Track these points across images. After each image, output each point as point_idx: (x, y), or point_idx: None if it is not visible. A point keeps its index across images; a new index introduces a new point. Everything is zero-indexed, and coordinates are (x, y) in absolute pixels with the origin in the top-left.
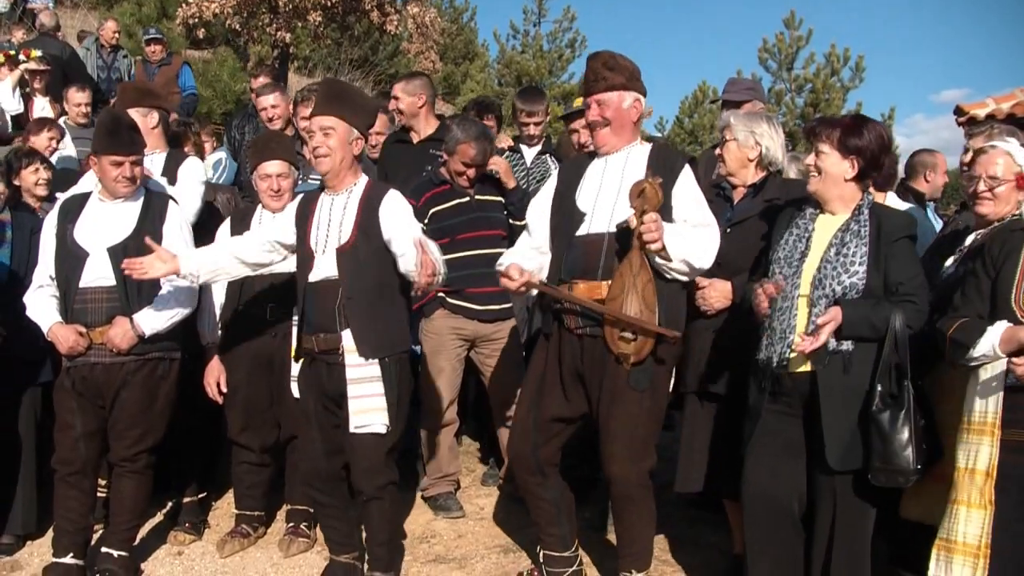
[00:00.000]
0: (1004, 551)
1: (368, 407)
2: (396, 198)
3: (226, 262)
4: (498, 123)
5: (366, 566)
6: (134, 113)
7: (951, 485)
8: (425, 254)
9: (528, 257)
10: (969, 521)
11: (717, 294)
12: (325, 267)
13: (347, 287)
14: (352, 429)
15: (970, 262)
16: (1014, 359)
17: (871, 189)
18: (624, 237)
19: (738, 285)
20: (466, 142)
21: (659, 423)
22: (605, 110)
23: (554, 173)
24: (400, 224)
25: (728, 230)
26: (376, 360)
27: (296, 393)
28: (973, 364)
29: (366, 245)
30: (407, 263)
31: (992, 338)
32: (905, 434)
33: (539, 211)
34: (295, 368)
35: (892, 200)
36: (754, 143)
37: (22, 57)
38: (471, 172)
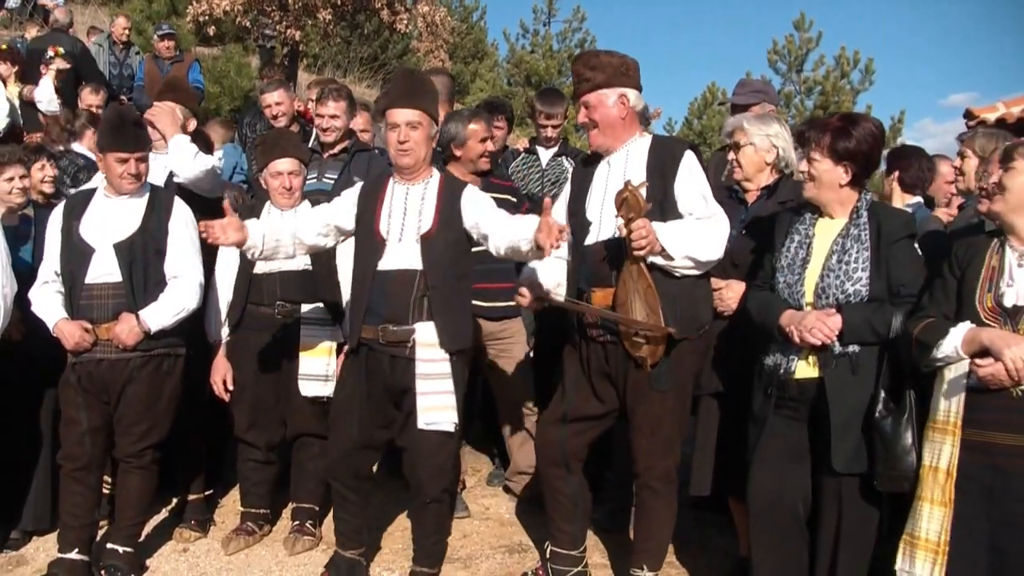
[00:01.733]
0: (962, 548)
1: (438, 404)
2: (475, 189)
3: (286, 239)
4: (509, 124)
5: (412, 559)
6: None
7: (918, 482)
8: (548, 214)
9: (551, 267)
10: (931, 518)
11: (735, 295)
12: (401, 256)
13: (431, 276)
14: (421, 426)
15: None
16: (976, 360)
17: (899, 190)
18: (624, 244)
19: None
20: (470, 121)
21: (684, 421)
22: (591, 112)
23: (570, 174)
24: (484, 207)
25: (744, 231)
26: (447, 356)
27: (303, 391)
28: (938, 365)
29: (447, 234)
30: (501, 239)
31: (955, 339)
32: (908, 439)
33: (558, 219)
34: (303, 366)
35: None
36: (770, 146)
37: (50, 53)
38: (489, 145)
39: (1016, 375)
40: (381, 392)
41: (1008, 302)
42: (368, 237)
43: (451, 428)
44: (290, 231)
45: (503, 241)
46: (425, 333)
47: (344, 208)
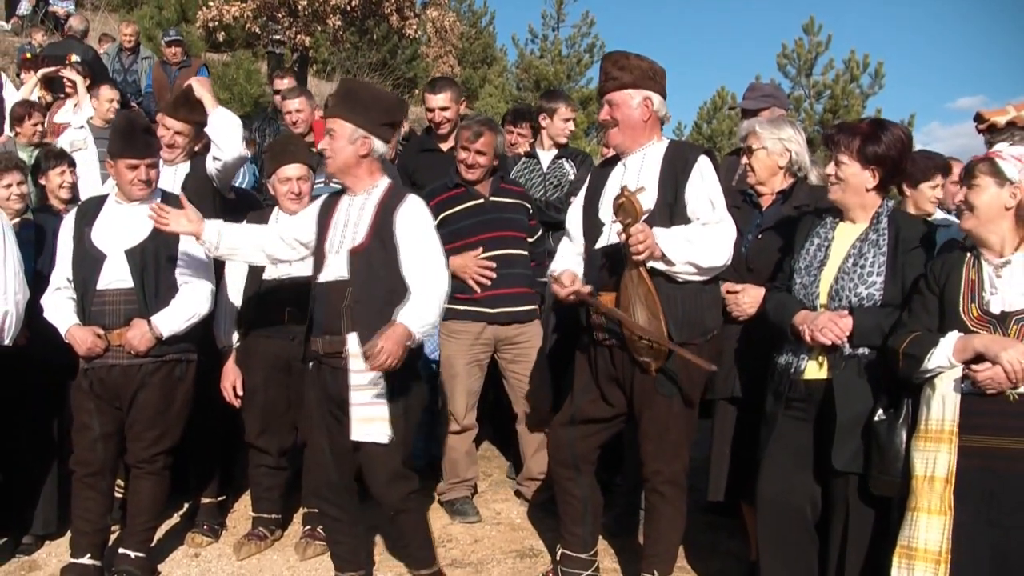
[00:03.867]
0: (964, 556)
1: (370, 416)
2: (414, 205)
3: (246, 245)
4: (533, 133)
5: (406, 568)
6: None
7: (909, 493)
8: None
9: (576, 263)
10: (929, 528)
11: (750, 299)
12: (336, 267)
13: (355, 289)
14: (352, 438)
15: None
16: (973, 366)
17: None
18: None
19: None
20: (465, 126)
21: (691, 426)
22: (614, 110)
23: (571, 175)
24: (411, 234)
25: (759, 236)
26: None
27: None
28: (927, 376)
29: (380, 249)
30: (412, 276)
31: (946, 349)
32: (900, 443)
33: (575, 218)
34: None
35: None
36: (783, 150)
37: (72, 60)
38: (471, 157)
39: (1015, 377)
40: (332, 404)
41: (995, 308)
42: (317, 250)
43: (383, 440)
44: (252, 238)
45: (410, 279)
46: (355, 344)
47: (306, 222)
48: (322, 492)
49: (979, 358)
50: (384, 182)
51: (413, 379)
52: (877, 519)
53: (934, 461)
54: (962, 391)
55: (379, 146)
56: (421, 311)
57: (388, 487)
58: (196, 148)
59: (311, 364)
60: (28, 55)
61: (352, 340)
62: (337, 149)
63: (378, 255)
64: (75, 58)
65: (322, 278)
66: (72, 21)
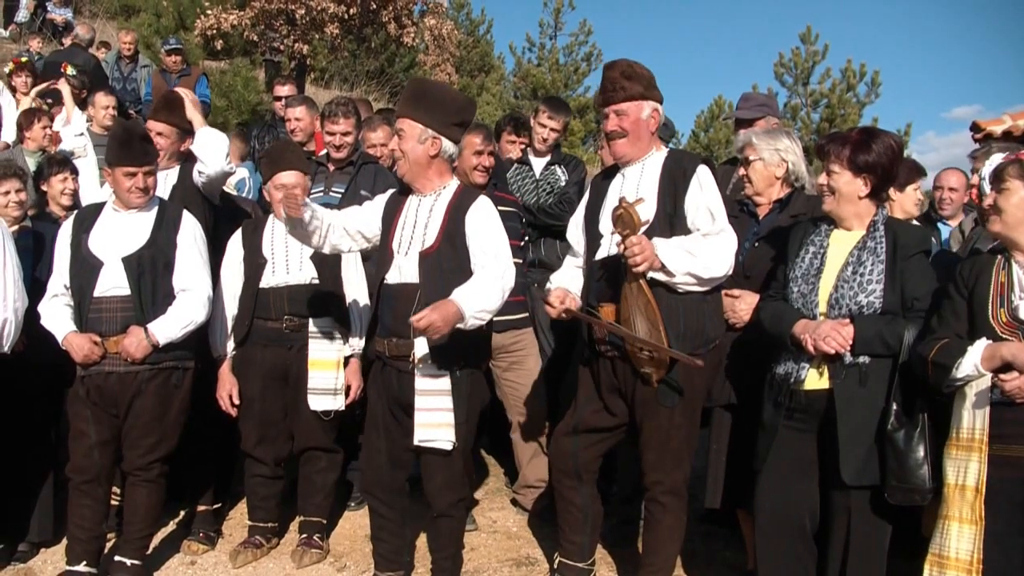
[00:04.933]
0: (996, 566)
1: (434, 421)
2: (485, 206)
3: (323, 227)
4: (531, 141)
5: (430, 572)
6: (164, 127)
7: (941, 501)
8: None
9: (574, 277)
10: (961, 537)
11: (747, 306)
12: (405, 270)
13: (426, 293)
14: (416, 441)
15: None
16: (1001, 375)
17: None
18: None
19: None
20: (467, 132)
21: (693, 436)
22: (624, 120)
23: (563, 181)
24: (483, 235)
25: (756, 244)
26: (447, 373)
27: (312, 405)
28: (958, 384)
29: (450, 251)
30: (484, 264)
31: (974, 357)
32: (920, 452)
33: (576, 230)
34: (312, 380)
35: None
36: (779, 160)
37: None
38: (484, 160)
39: None
40: (395, 406)
41: (1023, 315)
42: (383, 249)
43: (446, 446)
44: (339, 218)
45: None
46: (424, 348)
47: (370, 215)
48: (374, 491)
49: (1008, 366)
50: (454, 183)
51: (479, 387)
52: (881, 530)
53: (965, 470)
54: (992, 400)
55: (448, 146)
56: (478, 295)
57: (442, 491)
58: (182, 150)
59: (375, 363)
60: (21, 59)
61: (420, 344)
62: (407, 149)
63: (448, 258)
64: (71, 70)
65: (391, 279)
66: (79, 30)
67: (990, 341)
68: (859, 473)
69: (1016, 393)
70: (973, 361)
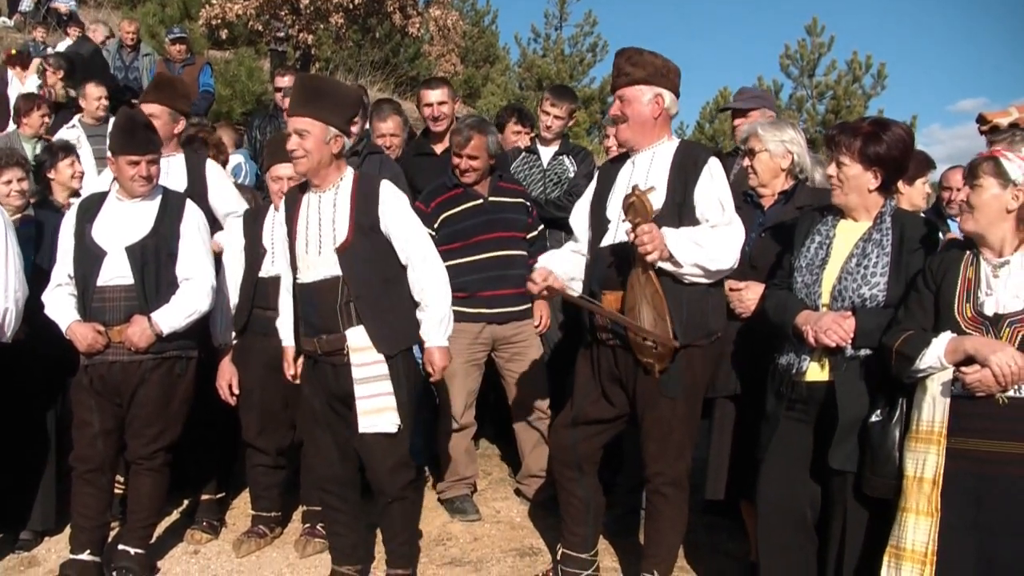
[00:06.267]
0: (950, 558)
1: (377, 407)
2: (389, 188)
3: None
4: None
5: (385, 564)
6: (156, 108)
7: (900, 492)
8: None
9: (567, 260)
10: (917, 528)
11: (753, 297)
12: (321, 267)
13: (353, 286)
14: (361, 430)
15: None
16: (963, 368)
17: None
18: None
19: None
20: (455, 131)
21: (695, 427)
22: (625, 106)
23: (571, 172)
24: (398, 216)
25: (763, 234)
26: (382, 358)
27: None
28: (920, 376)
29: (365, 240)
30: (409, 254)
31: (937, 349)
32: (892, 444)
33: (580, 214)
34: None
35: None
36: (785, 152)
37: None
38: (464, 162)
39: (1003, 380)
40: (335, 400)
41: (989, 310)
42: (292, 250)
43: (392, 429)
44: None
45: (408, 258)
46: (357, 338)
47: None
48: (325, 484)
49: (970, 360)
50: (349, 172)
51: (412, 368)
52: (872, 520)
53: (923, 462)
54: (952, 393)
55: (348, 142)
56: (440, 309)
57: (391, 475)
58: (175, 132)
59: (306, 361)
60: (12, 51)
61: (353, 335)
62: (312, 149)
63: (365, 248)
64: (51, 60)
65: (305, 279)
66: (93, 29)
67: (954, 335)
68: (845, 459)
69: (976, 387)
70: (937, 353)
